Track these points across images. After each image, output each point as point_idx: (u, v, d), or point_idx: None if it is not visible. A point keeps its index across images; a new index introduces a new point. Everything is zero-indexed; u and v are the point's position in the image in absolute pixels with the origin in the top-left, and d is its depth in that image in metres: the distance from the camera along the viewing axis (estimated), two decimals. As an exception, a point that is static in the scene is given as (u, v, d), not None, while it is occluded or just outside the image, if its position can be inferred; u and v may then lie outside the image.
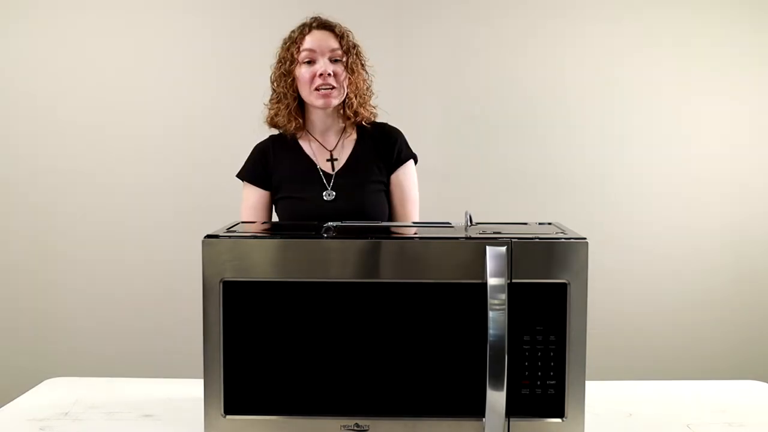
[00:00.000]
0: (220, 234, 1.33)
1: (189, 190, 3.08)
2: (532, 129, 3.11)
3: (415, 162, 2.06)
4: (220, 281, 1.29)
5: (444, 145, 3.09)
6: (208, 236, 1.31)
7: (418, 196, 2.05)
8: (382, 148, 2.00)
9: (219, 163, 3.05)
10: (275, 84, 1.99)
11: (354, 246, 1.29)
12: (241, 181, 2.04)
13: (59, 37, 3.06)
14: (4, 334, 3.14)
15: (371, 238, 1.30)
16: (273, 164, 2.00)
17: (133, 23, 3.07)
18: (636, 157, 3.11)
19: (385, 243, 1.29)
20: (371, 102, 2.02)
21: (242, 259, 1.29)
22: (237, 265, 1.29)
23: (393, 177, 2.01)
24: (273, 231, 1.57)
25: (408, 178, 2.03)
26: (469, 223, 1.44)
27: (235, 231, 1.38)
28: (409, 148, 2.05)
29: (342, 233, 1.36)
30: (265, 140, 2.06)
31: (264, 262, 1.30)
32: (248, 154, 2.05)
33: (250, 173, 2.02)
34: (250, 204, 2.01)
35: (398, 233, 1.47)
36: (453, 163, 3.09)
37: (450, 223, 1.52)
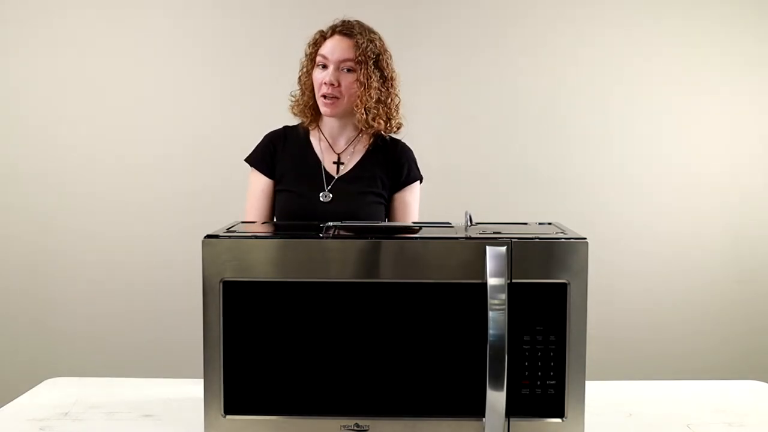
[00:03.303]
0: (220, 234, 1.33)
1: (189, 190, 3.08)
2: (532, 129, 3.11)
3: (420, 182, 2.07)
4: (220, 281, 1.29)
5: (444, 145, 3.09)
6: (208, 236, 1.31)
7: (418, 216, 2.06)
8: (392, 166, 2.01)
9: (219, 163, 3.05)
10: (300, 78, 2.01)
11: (354, 246, 1.30)
12: (249, 165, 2.04)
13: (60, 37, 3.06)
14: (4, 334, 3.14)
15: (371, 238, 1.30)
16: (280, 154, 2.01)
17: (131, 22, 3.07)
18: (636, 158, 3.11)
19: (385, 243, 1.30)
20: (398, 112, 2.00)
21: (242, 259, 1.29)
22: (237, 265, 1.29)
23: (397, 195, 2.02)
24: (273, 231, 1.57)
25: (412, 199, 2.04)
26: (469, 223, 1.44)
27: (235, 231, 1.38)
28: (418, 169, 2.06)
29: (342, 233, 1.36)
30: (277, 129, 2.06)
31: (264, 262, 1.30)
32: (259, 140, 2.06)
33: (257, 160, 2.02)
34: (254, 190, 2.01)
35: (398, 233, 1.46)
36: (453, 163, 3.09)
37: (450, 223, 1.52)
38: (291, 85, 2.05)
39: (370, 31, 1.97)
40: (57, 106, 3.09)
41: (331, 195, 1.95)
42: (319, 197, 1.95)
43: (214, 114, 3.09)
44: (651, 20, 3.08)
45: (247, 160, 2.04)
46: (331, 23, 1.98)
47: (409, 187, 2.03)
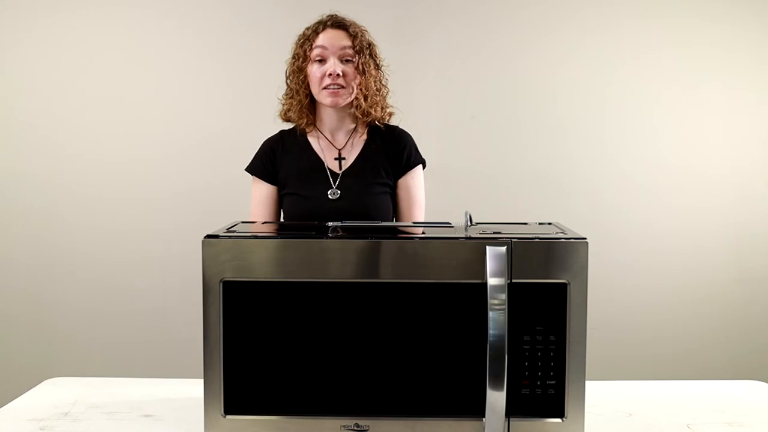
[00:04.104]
0: (220, 234, 1.33)
1: (189, 190, 3.08)
2: (532, 129, 3.11)
3: (423, 167, 2.06)
4: (220, 281, 1.29)
5: (444, 145, 3.09)
6: (208, 236, 1.31)
7: (425, 200, 2.06)
8: (392, 152, 2.00)
9: (220, 163, 3.05)
10: (289, 79, 2.00)
11: (354, 246, 1.29)
12: (250, 175, 2.04)
13: (62, 36, 3.06)
14: (4, 334, 3.14)
15: (371, 238, 1.30)
16: (280, 160, 2.00)
17: (133, 22, 3.07)
18: (636, 157, 3.11)
19: (385, 243, 1.29)
20: (387, 101, 2.02)
21: (242, 259, 1.29)
22: (237, 265, 1.29)
23: (401, 181, 2.01)
24: (273, 231, 1.57)
25: (416, 183, 2.03)
26: (469, 223, 1.44)
27: (235, 231, 1.38)
28: (419, 153, 2.05)
29: (344, 233, 1.36)
30: (274, 135, 2.06)
31: (264, 262, 1.30)
32: (257, 149, 2.05)
33: (258, 168, 2.02)
34: (257, 198, 2.01)
35: (398, 233, 1.46)
36: (453, 163, 3.09)
37: (450, 223, 1.52)
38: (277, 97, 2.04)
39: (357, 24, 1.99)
40: (57, 107, 3.08)
41: (339, 192, 1.94)
42: (327, 196, 1.94)
43: (215, 114, 3.08)
44: (652, 20, 3.08)
45: (247, 169, 2.03)
46: (318, 19, 1.97)
47: (411, 171, 2.02)
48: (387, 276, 1.29)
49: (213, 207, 2.97)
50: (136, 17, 3.06)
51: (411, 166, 2.02)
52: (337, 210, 1.89)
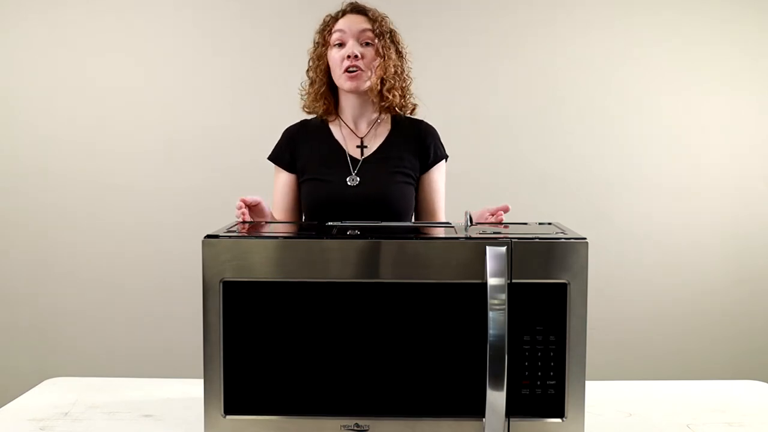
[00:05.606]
0: (220, 234, 1.33)
1: (190, 191, 3.08)
2: (532, 129, 3.11)
3: (446, 160, 2.06)
4: (220, 281, 1.29)
5: (444, 145, 3.08)
6: (208, 236, 1.31)
7: (444, 194, 2.04)
8: (418, 146, 1.99)
9: (220, 163, 3.05)
10: (310, 69, 1.99)
11: (354, 246, 1.29)
12: (272, 163, 2.03)
13: (64, 35, 3.07)
14: (4, 334, 3.14)
15: (371, 238, 1.30)
16: (300, 148, 1.98)
17: (132, 20, 3.07)
18: (636, 158, 3.11)
19: (385, 243, 1.29)
20: (410, 90, 2.00)
21: (242, 259, 1.29)
22: (237, 265, 1.29)
23: (425, 176, 1.99)
24: (273, 231, 1.57)
25: (441, 177, 2.02)
26: (469, 223, 1.44)
27: (235, 231, 1.39)
28: (443, 148, 2.04)
29: (342, 233, 1.36)
30: (294, 124, 2.05)
31: (264, 262, 1.30)
32: (277, 139, 2.04)
33: (277, 156, 2.01)
34: (278, 187, 2.00)
35: (398, 233, 1.46)
36: (453, 162, 3.08)
37: (450, 223, 1.52)
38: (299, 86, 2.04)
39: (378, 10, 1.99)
40: (57, 107, 3.09)
41: (358, 178, 1.91)
42: (346, 182, 1.92)
43: (215, 114, 3.08)
44: (652, 21, 3.08)
45: (269, 158, 2.03)
46: (339, 8, 1.97)
47: (436, 166, 2.01)
48: (387, 276, 1.29)
49: (213, 207, 2.96)
50: (135, 15, 3.06)
51: (436, 162, 2.01)
52: (356, 197, 1.87)
